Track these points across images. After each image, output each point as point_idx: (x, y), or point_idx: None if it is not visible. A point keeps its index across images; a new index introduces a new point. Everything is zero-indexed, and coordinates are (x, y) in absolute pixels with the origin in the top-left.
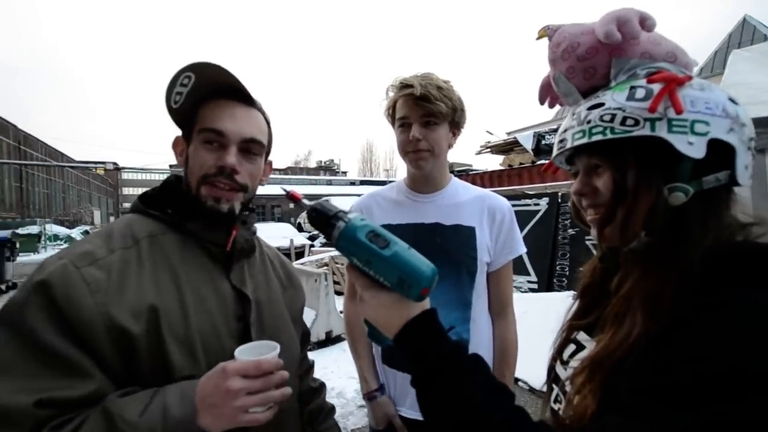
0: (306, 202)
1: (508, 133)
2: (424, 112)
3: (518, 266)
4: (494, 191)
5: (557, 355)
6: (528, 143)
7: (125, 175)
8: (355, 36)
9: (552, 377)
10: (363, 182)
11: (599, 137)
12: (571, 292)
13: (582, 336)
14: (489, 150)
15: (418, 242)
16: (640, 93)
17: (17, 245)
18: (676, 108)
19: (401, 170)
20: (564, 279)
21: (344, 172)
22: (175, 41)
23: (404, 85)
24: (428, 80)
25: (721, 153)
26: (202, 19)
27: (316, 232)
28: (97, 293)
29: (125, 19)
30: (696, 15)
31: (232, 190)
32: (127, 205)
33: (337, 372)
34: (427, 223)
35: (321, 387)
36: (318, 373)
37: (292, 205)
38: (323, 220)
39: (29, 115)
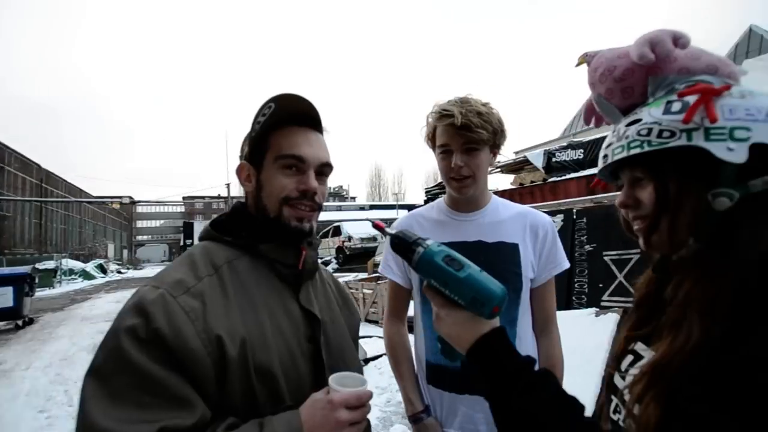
0: (388, 230)
1: (516, 152)
2: (465, 140)
3: None
4: None
5: (615, 366)
6: (538, 161)
7: (139, 209)
8: (361, 62)
9: (610, 388)
10: (372, 207)
11: (637, 150)
12: (593, 309)
13: (640, 346)
14: (499, 170)
15: None
16: (676, 106)
17: (36, 280)
18: (710, 117)
19: (409, 194)
20: (583, 296)
21: (353, 198)
22: (185, 68)
23: (444, 114)
24: (468, 107)
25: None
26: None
27: (329, 257)
28: (196, 321)
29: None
30: (700, 26)
31: (312, 210)
32: (141, 237)
33: None
34: (470, 242)
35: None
36: None
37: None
38: (405, 245)
39: (53, 154)
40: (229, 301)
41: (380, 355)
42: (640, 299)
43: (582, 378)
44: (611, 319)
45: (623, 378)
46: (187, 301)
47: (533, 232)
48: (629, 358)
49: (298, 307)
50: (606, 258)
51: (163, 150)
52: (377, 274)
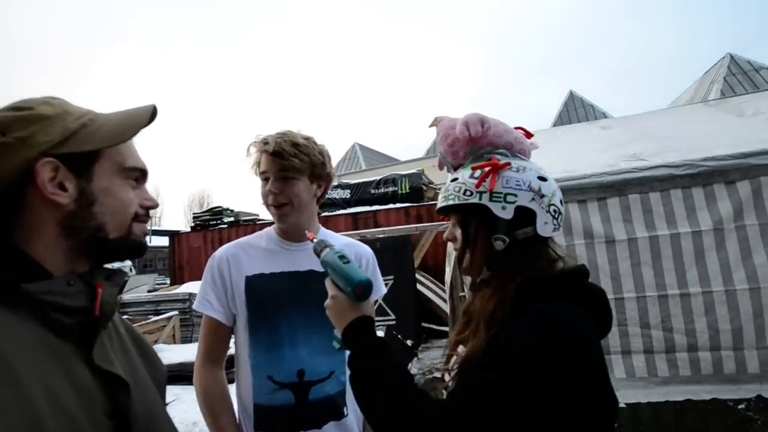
0: (315, 239)
1: None
2: (279, 167)
3: None
4: None
5: (446, 366)
6: None
7: None
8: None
9: (443, 384)
10: None
11: (452, 202)
12: None
13: (461, 348)
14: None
15: (295, 290)
16: (476, 173)
17: None
18: (490, 186)
19: (167, 218)
20: None
21: None
22: None
23: (261, 141)
24: (284, 137)
25: (527, 215)
26: None
27: None
28: None
29: None
30: (530, 89)
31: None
32: None
33: None
34: (302, 271)
35: None
36: None
37: None
38: (321, 247)
39: None
40: None
41: None
42: (464, 311)
43: None
44: None
45: (450, 375)
46: None
47: (357, 262)
48: (454, 358)
49: (88, 371)
50: None
51: None
52: (127, 316)
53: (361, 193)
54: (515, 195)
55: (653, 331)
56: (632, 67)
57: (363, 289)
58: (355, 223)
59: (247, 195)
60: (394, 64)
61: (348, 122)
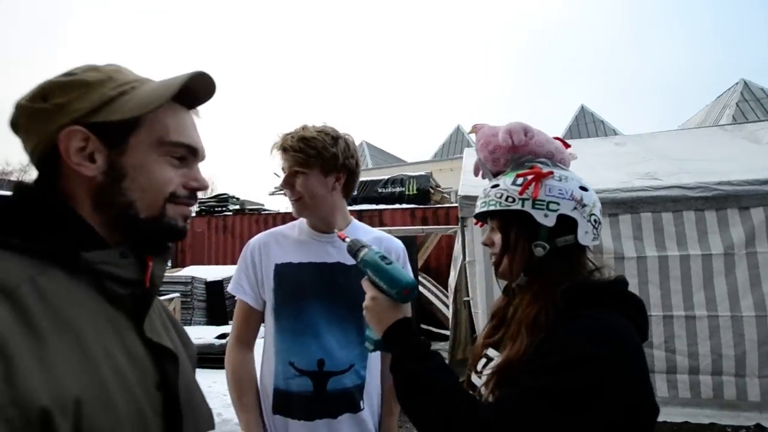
0: (347, 239)
1: None
2: (290, 162)
3: None
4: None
5: (473, 367)
6: None
7: None
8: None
9: (469, 386)
10: None
11: (493, 208)
12: None
13: (491, 351)
14: (282, 192)
15: (322, 281)
16: (518, 180)
17: None
18: (534, 194)
19: None
20: None
21: None
22: None
23: (277, 141)
24: (293, 133)
25: (568, 223)
26: None
27: None
28: None
29: None
30: (545, 101)
31: (192, 206)
32: None
33: None
34: (330, 263)
35: None
36: None
37: None
38: (357, 248)
39: None
40: (44, 343)
41: None
42: (493, 314)
43: None
44: None
45: (479, 377)
46: None
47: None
48: (483, 360)
49: (140, 343)
50: None
51: None
52: None
53: (368, 191)
54: (558, 203)
55: (655, 351)
56: (642, 86)
57: (410, 290)
58: (359, 220)
59: (251, 184)
60: (405, 68)
61: (357, 120)
